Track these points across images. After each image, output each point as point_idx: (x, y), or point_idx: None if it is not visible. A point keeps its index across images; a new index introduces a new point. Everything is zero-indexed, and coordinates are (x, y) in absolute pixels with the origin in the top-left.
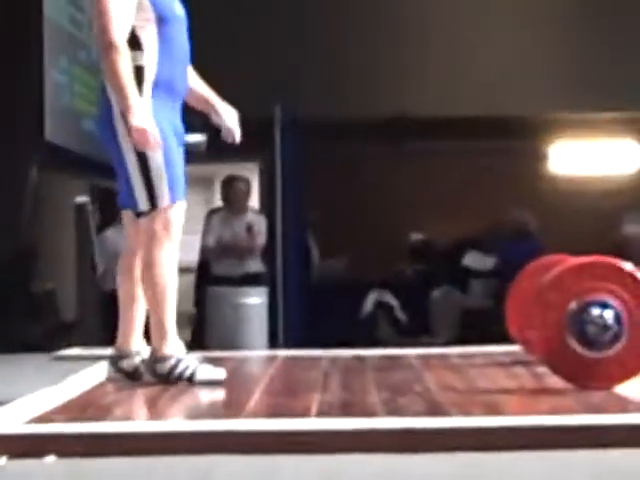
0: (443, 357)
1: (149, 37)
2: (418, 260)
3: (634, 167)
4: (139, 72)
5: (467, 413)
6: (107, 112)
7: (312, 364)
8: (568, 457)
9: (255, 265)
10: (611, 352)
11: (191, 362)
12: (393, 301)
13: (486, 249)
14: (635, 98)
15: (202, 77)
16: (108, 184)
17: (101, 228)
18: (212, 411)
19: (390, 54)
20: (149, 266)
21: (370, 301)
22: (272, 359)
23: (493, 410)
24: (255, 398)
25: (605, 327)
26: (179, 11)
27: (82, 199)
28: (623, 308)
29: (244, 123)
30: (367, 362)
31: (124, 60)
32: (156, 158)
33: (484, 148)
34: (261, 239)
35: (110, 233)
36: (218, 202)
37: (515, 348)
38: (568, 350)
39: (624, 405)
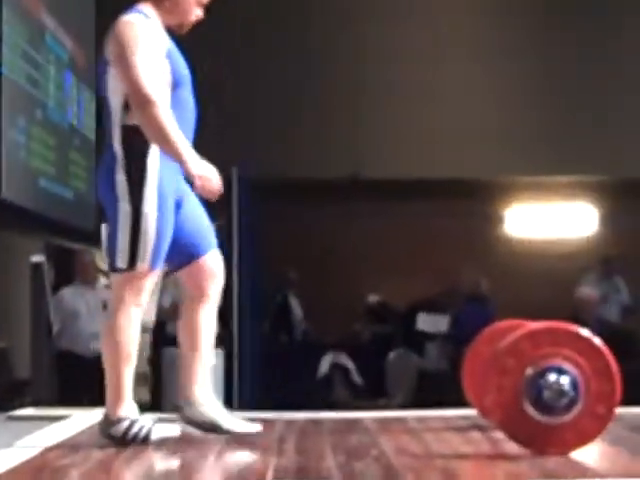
0: (400, 421)
1: (166, 101)
2: (374, 322)
3: (589, 230)
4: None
5: (423, 478)
6: (110, 163)
7: (267, 427)
8: None
9: None
10: (567, 418)
11: (146, 422)
12: (349, 363)
13: (440, 311)
14: (589, 162)
15: None
16: (64, 243)
17: (56, 287)
18: (166, 476)
19: (345, 116)
20: (111, 329)
21: (326, 363)
22: None
23: (449, 476)
24: (210, 460)
25: (561, 393)
26: (187, 71)
27: (38, 258)
28: (579, 374)
29: None
30: (323, 425)
31: (164, 113)
32: (150, 221)
33: (439, 210)
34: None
35: (66, 292)
36: None
37: (472, 412)
38: (524, 416)
39: (581, 471)
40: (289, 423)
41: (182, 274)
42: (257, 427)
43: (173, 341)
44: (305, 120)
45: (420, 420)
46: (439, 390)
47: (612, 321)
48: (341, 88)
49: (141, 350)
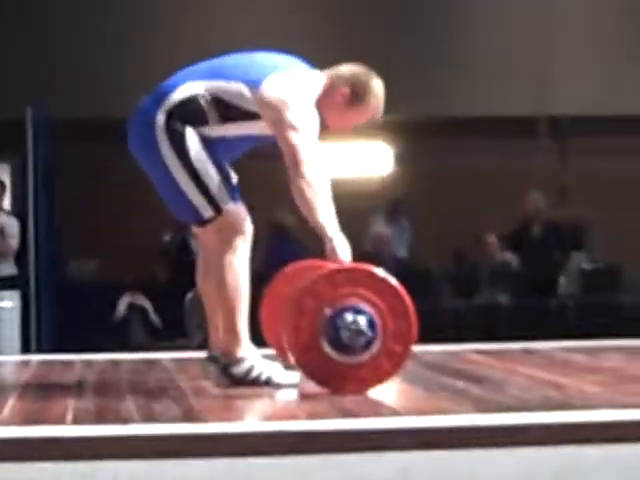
0: (197, 361)
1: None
2: (172, 262)
3: (382, 170)
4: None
5: (221, 419)
6: (150, 134)
7: (66, 369)
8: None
9: (7, 268)
10: (365, 357)
11: (267, 367)
12: (147, 304)
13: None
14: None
15: None
16: None
17: None
18: None
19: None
20: (223, 270)
21: (123, 304)
22: (25, 364)
23: (249, 415)
24: (9, 404)
25: (358, 332)
26: None
27: None
28: (376, 313)
29: None
30: (122, 366)
31: (321, 180)
32: (206, 165)
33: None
34: (13, 242)
35: None
36: None
37: (270, 352)
38: (323, 356)
39: (378, 409)
40: (88, 364)
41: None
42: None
43: None
44: (103, 61)
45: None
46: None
47: (404, 259)
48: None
49: None
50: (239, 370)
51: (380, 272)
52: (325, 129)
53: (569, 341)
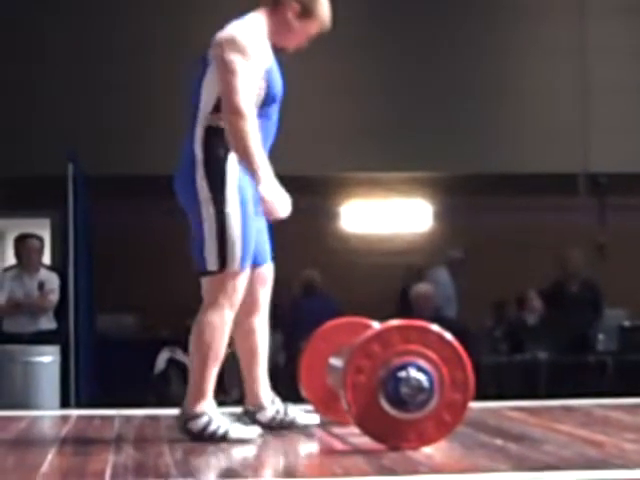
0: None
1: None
2: None
3: (423, 226)
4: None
5: (262, 476)
6: (190, 169)
7: (105, 424)
8: None
9: (47, 323)
10: (425, 411)
11: (224, 421)
12: (185, 359)
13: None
14: (423, 159)
15: None
16: None
17: None
18: (4, 474)
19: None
20: (202, 326)
21: (162, 359)
22: (64, 419)
23: (287, 473)
24: (48, 459)
25: (416, 388)
26: (281, 89)
27: None
28: (432, 367)
29: (36, 180)
30: (160, 422)
31: (251, 127)
32: (235, 222)
33: None
34: (53, 297)
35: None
36: (9, 256)
37: (308, 408)
38: (381, 413)
39: (415, 467)
40: (127, 419)
41: None
42: (316, 418)
43: (9, 338)
44: (139, 119)
45: None
46: (275, 386)
47: (446, 316)
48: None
49: None
50: (196, 425)
51: (431, 326)
52: (283, 51)
53: (608, 398)
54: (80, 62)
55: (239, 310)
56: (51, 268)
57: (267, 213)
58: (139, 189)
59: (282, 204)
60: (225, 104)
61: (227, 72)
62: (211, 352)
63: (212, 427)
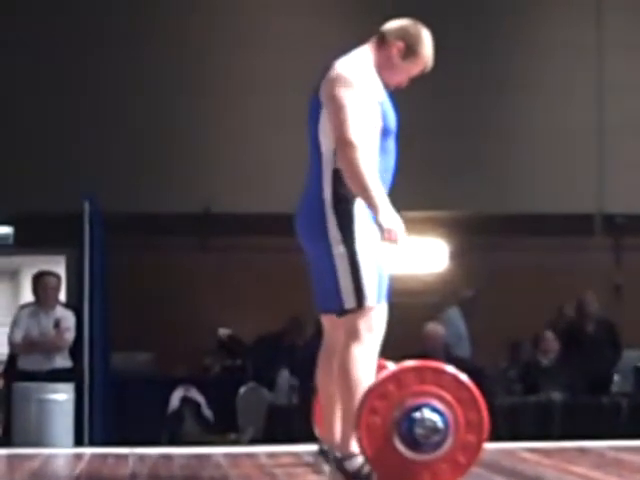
0: (250, 456)
1: (373, 147)
2: (225, 356)
3: (439, 265)
4: None
5: None
6: (317, 210)
7: (119, 463)
8: None
9: (62, 361)
10: (439, 453)
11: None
12: (199, 397)
13: (291, 344)
14: (439, 198)
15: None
16: None
17: None
18: None
19: (199, 150)
20: (347, 361)
21: (176, 397)
22: (78, 457)
23: None
24: None
25: (431, 429)
26: (395, 120)
27: None
28: (447, 408)
29: (52, 218)
30: (174, 461)
31: (363, 157)
32: (368, 257)
33: (283, 245)
34: (69, 335)
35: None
36: (24, 293)
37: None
38: (396, 454)
39: None
40: (140, 458)
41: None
42: None
43: (24, 376)
44: (158, 154)
45: (270, 455)
46: (289, 425)
47: (461, 357)
48: (189, 123)
49: None
50: (352, 465)
51: (444, 367)
52: (387, 87)
53: (622, 440)
54: (100, 100)
55: (329, 354)
56: (67, 305)
57: (387, 240)
58: (155, 227)
59: (400, 231)
60: (336, 137)
61: (336, 107)
62: (360, 388)
63: (367, 468)
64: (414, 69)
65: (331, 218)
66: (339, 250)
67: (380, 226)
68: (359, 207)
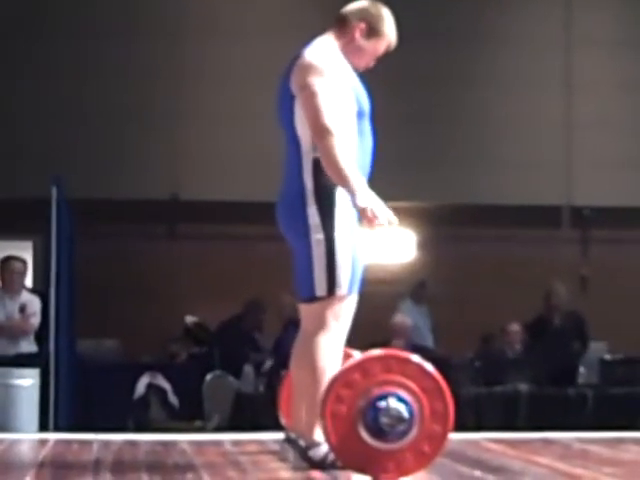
0: (215, 443)
1: (350, 130)
2: (192, 343)
3: (406, 256)
4: None
5: None
6: (298, 198)
7: (84, 448)
8: None
9: (28, 346)
10: (405, 442)
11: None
12: (165, 384)
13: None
14: (407, 189)
15: None
16: None
17: None
18: None
19: (168, 136)
20: (312, 349)
21: (142, 384)
22: (43, 443)
23: None
24: None
25: (396, 418)
26: (368, 102)
27: None
28: (412, 398)
29: (19, 203)
30: (139, 447)
31: (339, 144)
32: (344, 248)
33: (259, 233)
34: (35, 320)
35: None
36: None
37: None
38: (361, 443)
39: None
40: (105, 444)
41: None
42: None
43: None
44: (125, 141)
45: (236, 443)
46: (255, 413)
47: (424, 347)
48: (164, 111)
49: None
50: (317, 454)
51: (410, 356)
52: (355, 70)
53: (588, 432)
54: (66, 85)
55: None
56: (33, 291)
57: (368, 223)
58: (122, 213)
59: (382, 213)
60: (311, 125)
61: (308, 95)
62: (324, 376)
63: (331, 457)
64: (379, 48)
65: (312, 207)
66: (317, 237)
67: (357, 207)
68: (340, 196)
